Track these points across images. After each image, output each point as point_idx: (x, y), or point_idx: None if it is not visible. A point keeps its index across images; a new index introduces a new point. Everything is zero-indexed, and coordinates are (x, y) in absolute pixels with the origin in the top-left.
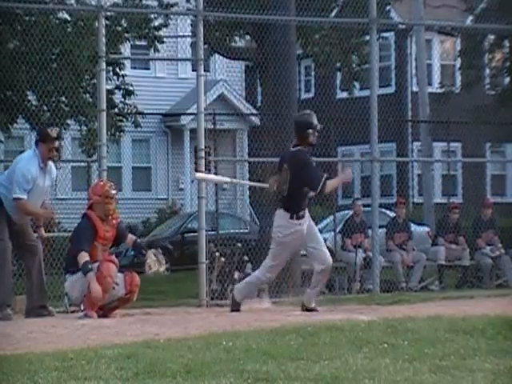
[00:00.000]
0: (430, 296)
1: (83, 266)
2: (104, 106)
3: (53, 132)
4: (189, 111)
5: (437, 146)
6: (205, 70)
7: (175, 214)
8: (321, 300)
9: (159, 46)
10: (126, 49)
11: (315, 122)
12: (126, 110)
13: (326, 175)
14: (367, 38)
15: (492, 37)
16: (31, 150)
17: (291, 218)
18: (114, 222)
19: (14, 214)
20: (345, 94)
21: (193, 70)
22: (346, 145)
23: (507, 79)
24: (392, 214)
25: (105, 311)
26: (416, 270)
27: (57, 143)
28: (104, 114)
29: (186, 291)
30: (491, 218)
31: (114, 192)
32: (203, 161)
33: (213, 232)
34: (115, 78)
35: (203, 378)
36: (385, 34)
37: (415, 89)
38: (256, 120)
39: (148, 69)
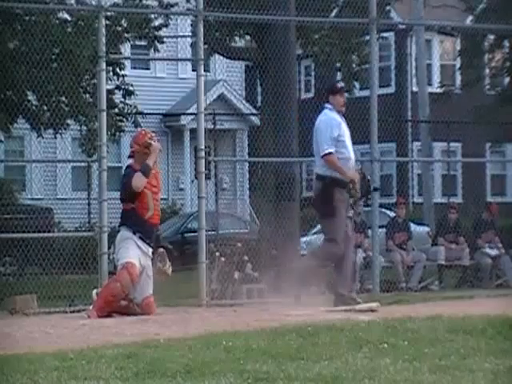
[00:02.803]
0: (430, 296)
1: (145, 169)
2: (104, 106)
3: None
4: (189, 111)
5: (437, 146)
6: (205, 70)
7: (175, 214)
8: (321, 300)
9: (159, 45)
10: (126, 49)
11: None
12: (126, 110)
13: None
14: (367, 38)
15: (492, 37)
16: (325, 110)
17: None
18: (154, 171)
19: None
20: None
21: (193, 70)
22: None
23: (507, 79)
24: (392, 214)
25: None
26: (416, 270)
27: (345, 95)
28: (104, 114)
29: (186, 291)
30: (492, 219)
31: (155, 143)
32: (203, 161)
33: (213, 232)
34: (115, 78)
35: (203, 377)
36: (385, 34)
37: (415, 89)
38: (256, 120)
39: (148, 69)
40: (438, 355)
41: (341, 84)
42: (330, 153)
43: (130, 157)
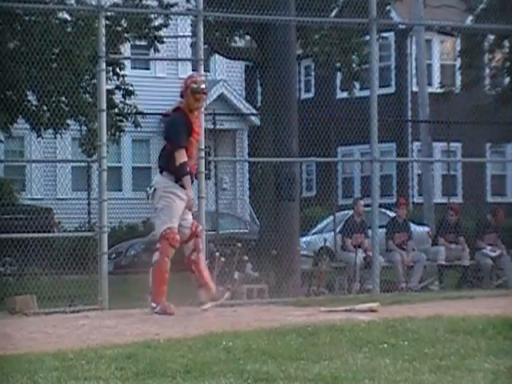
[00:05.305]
0: (430, 296)
1: (181, 168)
2: (104, 106)
3: None
4: None
5: (437, 146)
6: (205, 70)
7: None
8: (321, 300)
9: (159, 45)
10: (125, 49)
11: None
12: (125, 110)
13: None
14: (367, 38)
15: (492, 37)
16: None
17: None
18: (195, 116)
19: None
20: (345, 94)
21: (193, 70)
22: (346, 145)
23: (507, 79)
24: (392, 214)
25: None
26: (416, 270)
27: None
28: (104, 114)
29: (186, 291)
30: (497, 223)
31: (202, 86)
32: (203, 161)
33: (213, 232)
34: (115, 78)
35: (203, 377)
36: (385, 34)
37: (415, 89)
38: (256, 120)
39: (148, 69)
40: (438, 355)
41: None
42: None
43: (181, 96)
